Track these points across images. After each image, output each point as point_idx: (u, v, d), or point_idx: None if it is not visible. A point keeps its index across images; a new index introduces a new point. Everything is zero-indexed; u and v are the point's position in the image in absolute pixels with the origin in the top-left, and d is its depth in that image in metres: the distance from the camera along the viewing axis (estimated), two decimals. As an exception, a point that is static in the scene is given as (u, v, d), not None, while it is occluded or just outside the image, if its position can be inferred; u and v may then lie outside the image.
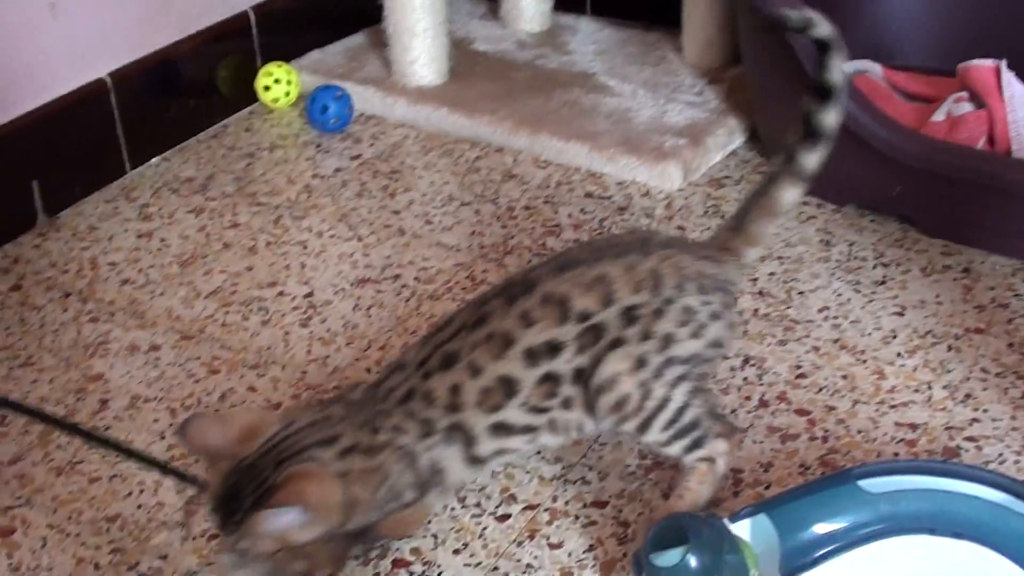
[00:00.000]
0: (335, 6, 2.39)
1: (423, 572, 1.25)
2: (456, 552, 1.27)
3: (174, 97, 2.11)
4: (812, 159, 1.31)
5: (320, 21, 2.36)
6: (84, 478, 1.39)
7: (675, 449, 1.27)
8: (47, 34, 1.88)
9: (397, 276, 1.73)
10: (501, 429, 1.23)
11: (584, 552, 1.28)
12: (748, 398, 1.48)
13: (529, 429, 1.25)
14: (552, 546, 1.28)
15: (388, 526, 1.26)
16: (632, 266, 1.24)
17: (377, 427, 1.21)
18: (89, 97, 1.95)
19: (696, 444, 1.27)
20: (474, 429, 1.22)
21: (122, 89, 1.99)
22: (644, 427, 1.24)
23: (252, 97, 2.22)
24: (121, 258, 1.80)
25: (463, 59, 2.27)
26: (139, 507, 1.35)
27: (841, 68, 1.28)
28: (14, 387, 1.53)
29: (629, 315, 1.22)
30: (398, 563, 1.26)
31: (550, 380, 1.22)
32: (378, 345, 1.59)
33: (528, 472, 1.37)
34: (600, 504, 1.33)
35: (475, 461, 1.25)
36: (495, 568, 1.26)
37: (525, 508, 1.33)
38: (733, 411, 1.46)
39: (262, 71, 2.20)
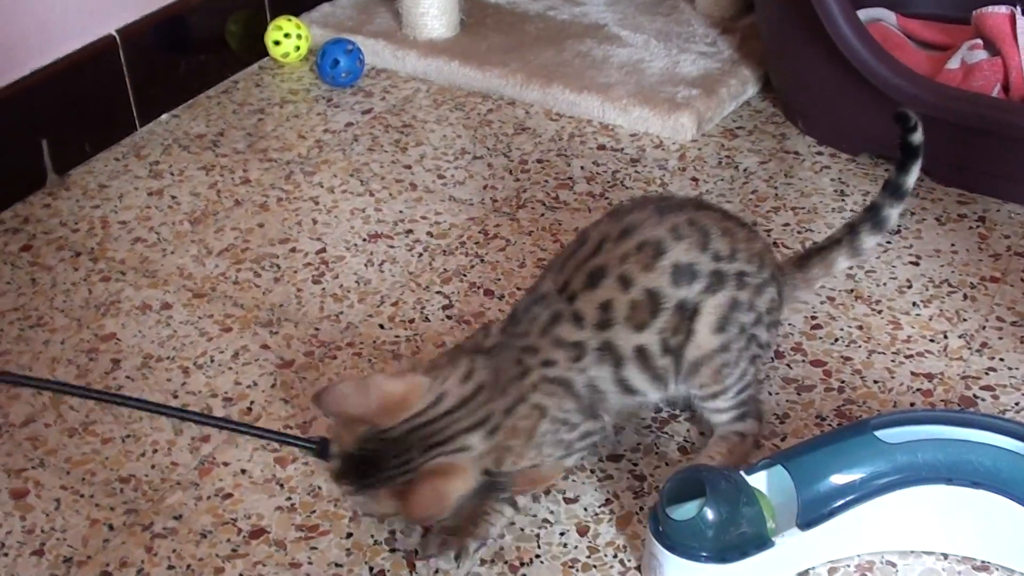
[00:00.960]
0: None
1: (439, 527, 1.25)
2: (471, 508, 1.27)
3: (183, 53, 2.09)
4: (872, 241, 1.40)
5: (329, -26, 2.34)
6: (97, 439, 1.39)
7: (725, 417, 1.31)
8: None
9: (409, 231, 1.72)
10: (642, 356, 1.23)
11: (600, 506, 1.27)
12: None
13: (655, 370, 1.25)
14: (568, 500, 1.28)
15: (520, 480, 1.25)
16: (751, 238, 1.29)
17: (525, 368, 1.20)
18: (98, 54, 1.94)
19: (740, 417, 1.31)
20: (622, 348, 1.22)
21: (131, 45, 1.97)
22: (721, 393, 1.28)
23: (262, 52, 2.20)
24: (132, 216, 1.79)
25: (474, 11, 2.25)
26: (152, 467, 1.35)
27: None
28: (26, 347, 1.53)
29: (741, 279, 1.25)
30: (413, 519, 1.26)
31: (682, 311, 1.23)
32: (391, 301, 1.58)
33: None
34: (615, 458, 1.33)
35: (625, 387, 1.24)
36: (511, 523, 1.25)
37: (539, 463, 1.32)
38: (748, 363, 1.45)
39: (272, 25, 2.18)
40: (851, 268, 1.59)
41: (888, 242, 1.65)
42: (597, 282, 1.22)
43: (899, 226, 1.68)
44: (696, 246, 1.23)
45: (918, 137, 1.36)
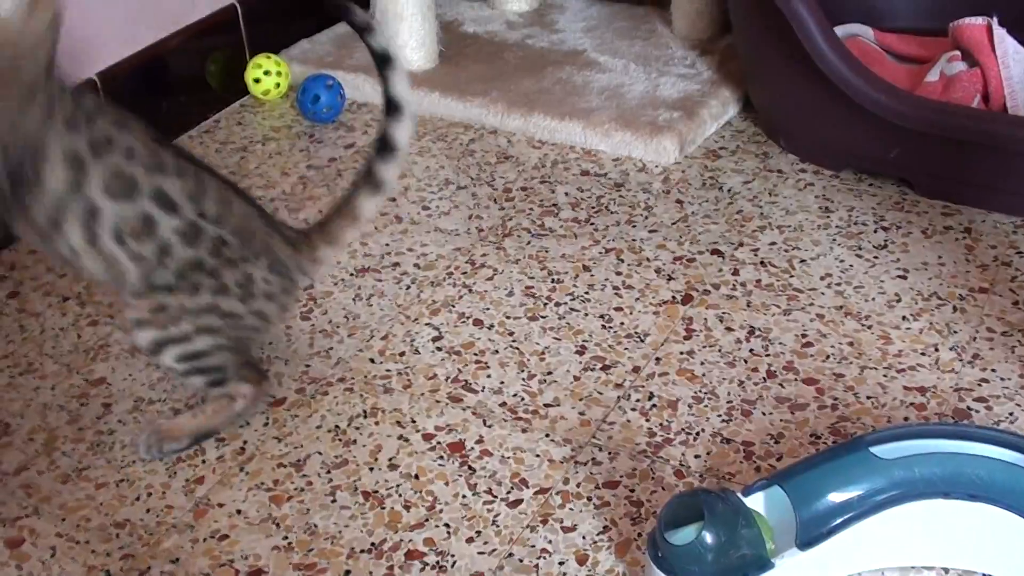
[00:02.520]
0: (321, -6, 2.37)
1: (437, 563, 1.24)
2: (469, 540, 1.27)
3: (164, 94, 2.09)
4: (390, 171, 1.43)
5: (307, 10, 2.34)
6: (91, 484, 1.38)
7: (195, 381, 1.40)
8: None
9: (396, 264, 1.72)
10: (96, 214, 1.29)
11: (598, 534, 1.27)
12: (755, 370, 1.47)
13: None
14: (566, 529, 1.28)
15: None
16: (247, 215, 1.37)
17: None
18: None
19: (217, 383, 1.40)
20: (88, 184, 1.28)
21: (111, 88, 1.97)
22: (157, 348, 1.35)
23: (243, 90, 2.20)
24: (118, 260, 1.78)
25: (453, 42, 2.26)
26: (148, 511, 1.34)
27: (404, 83, 1.40)
28: (16, 395, 1.52)
29: (217, 246, 1.33)
30: (412, 554, 1.25)
31: (148, 224, 1.30)
32: (380, 334, 1.58)
33: (538, 456, 1.36)
34: (612, 484, 1.33)
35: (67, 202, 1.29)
36: (510, 555, 1.25)
37: (537, 492, 1.32)
38: (740, 383, 1.45)
39: (251, 63, 2.18)
40: (839, 285, 1.60)
41: (875, 256, 1.66)
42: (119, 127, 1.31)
43: (885, 240, 1.69)
44: (187, 193, 1.32)
45: (378, 42, 1.37)
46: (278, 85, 2.18)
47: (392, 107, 1.40)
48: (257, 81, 2.18)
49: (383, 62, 1.38)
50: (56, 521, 1.34)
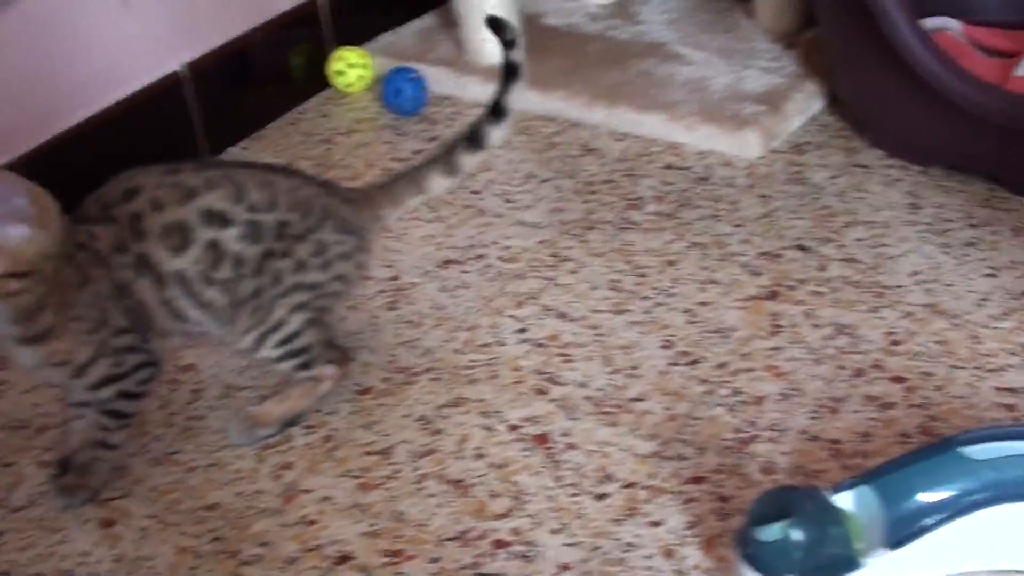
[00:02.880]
0: (404, -13, 2.39)
1: (523, 552, 1.25)
2: (555, 532, 1.27)
3: (249, 86, 2.12)
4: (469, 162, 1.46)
5: (390, 3, 2.36)
6: (181, 468, 1.40)
7: (285, 366, 1.40)
8: (121, 29, 1.89)
9: (481, 256, 1.72)
10: (183, 282, 1.33)
11: (685, 529, 1.27)
12: (842, 367, 1.46)
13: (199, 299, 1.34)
14: (652, 524, 1.28)
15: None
16: (295, 187, 1.38)
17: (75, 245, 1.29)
18: (165, 90, 1.96)
19: (305, 365, 1.41)
20: (160, 266, 1.32)
21: (197, 81, 2.00)
22: (260, 342, 1.37)
23: (326, 82, 2.22)
24: (205, 248, 1.81)
25: (534, 35, 2.25)
26: (237, 495, 1.36)
27: (518, 96, 1.45)
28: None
29: (281, 229, 1.34)
30: (498, 543, 1.26)
31: (215, 249, 1.33)
32: (466, 326, 1.58)
33: (624, 450, 1.36)
34: (698, 480, 1.32)
35: (172, 310, 1.34)
36: (596, 547, 1.25)
37: (623, 486, 1.32)
38: (828, 381, 1.44)
39: (334, 56, 2.20)
40: (928, 282, 1.59)
41: (964, 254, 1.64)
42: (132, 197, 1.32)
43: (974, 238, 1.67)
44: (231, 198, 1.33)
45: (517, 56, 1.43)
46: (361, 77, 2.20)
47: (497, 111, 1.43)
48: (340, 74, 2.19)
49: (511, 72, 1.43)
50: (148, 503, 1.36)
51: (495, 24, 1.44)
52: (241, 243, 1.33)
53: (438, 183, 1.46)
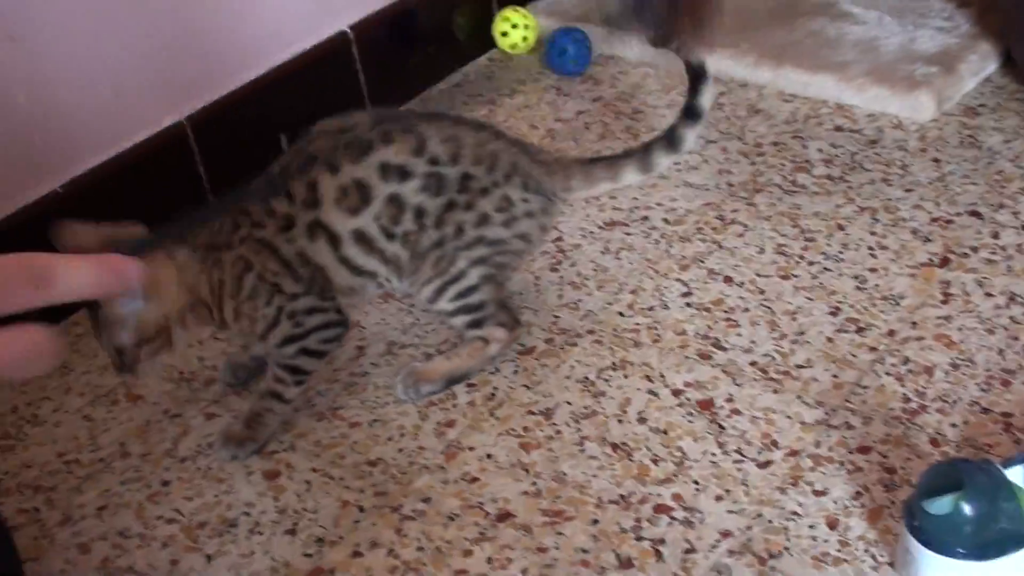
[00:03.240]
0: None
1: (685, 518, 1.24)
2: (718, 499, 1.26)
3: (413, 47, 2.13)
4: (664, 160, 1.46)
5: (554, -38, 2.34)
6: (345, 423, 1.43)
7: (458, 321, 1.42)
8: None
9: (645, 218, 1.71)
10: (362, 239, 1.35)
11: (850, 499, 1.24)
12: (1016, 338, 1.42)
13: (382, 254, 1.37)
14: (816, 493, 1.25)
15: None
16: (482, 142, 1.39)
17: (237, 225, 1.34)
18: (332, 50, 1.99)
19: (476, 324, 1.42)
20: (336, 228, 1.34)
21: (363, 41, 2.02)
22: (439, 293, 1.39)
23: (490, 43, 2.22)
24: (370, 207, 1.83)
25: (701, -6, 2.22)
26: (400, 451, 1.37)
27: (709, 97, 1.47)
28: (276, 335, 1.58)
29: (464, 182, 1.36)
30: (660, 508, 1.25)
31: (396, 203, 1.34)
32: (629, 288, 1.57)
33: (789, 417, 1.34)
34: (864, 450, 1.29)
35: (351, 266, 1.36)
36: (758, 515, 1.23)
37: (787, 454, 1.30)
38: (1000, 351, 1.39)
39: (499, 16, 2.20)
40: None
41: None
42: (308, 167, 1.34)
43: None
44: (409, 151, 1.34)
45: (696, 56, 1.45)
46: (525, 39, 2.19)
47: (691, 113, 1.46)
48: (504, 34, 2.19)
49: (698, 74, 1.46)
50: (311, 457, 1.39)
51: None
52: (422, 195, 1.34)
53: (630, 176, 1.47)
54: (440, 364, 1.45)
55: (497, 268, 1.41)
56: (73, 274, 0.56)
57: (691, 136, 1.45)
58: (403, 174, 1.33)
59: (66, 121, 1.67)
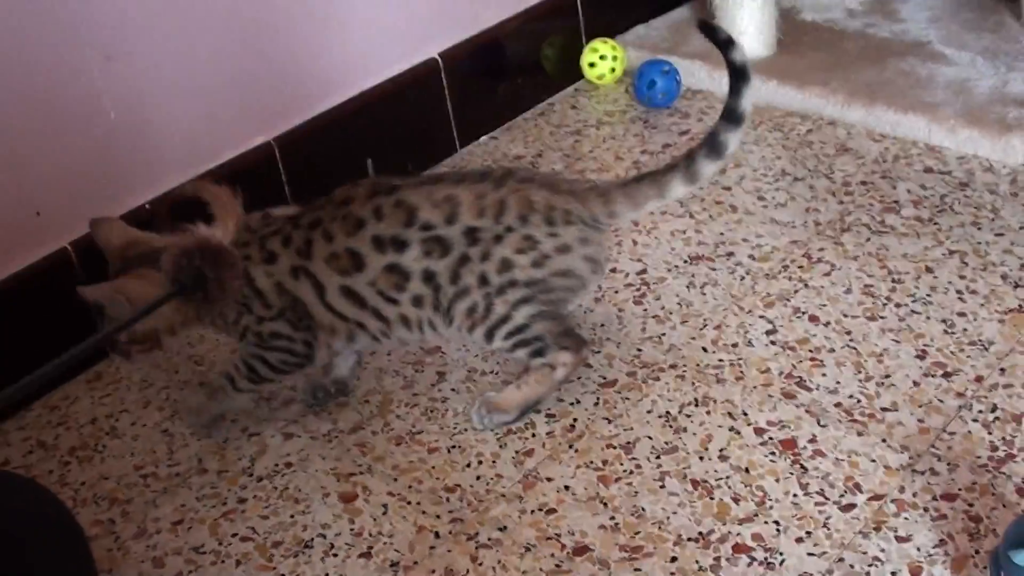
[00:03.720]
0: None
1: (765, 559, 1.22)
2: (799, 540, 1.24)
3: (501, 76, 2.13)
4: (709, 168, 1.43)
5: (644, -5, 2.35)
6: (423, 448, 1.42)
7: (520, 355, 1.43)
8: (381, 15, 1.92)
9: (730, 254, 1.70)
10: (352, 296, 1.40)
11: (934, 547, 1.22)
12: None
13: (380, 315, 1.41)
14: (900, 539, 1.23)
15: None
16: (482, 194, 1.38)
17: (247, 250, 1.43)
18: (421, 77, 2.00)
19: (538, 353, 1.42)
20: (320, 278, 1.40)
21: (452, 68, 2.03)
22: (489, 336, 1.40)
23: (577, 74, 2.22)
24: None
25: (791, 30, 2.21)
26: (477, 478, 1.37)
27: (750, 99, 1.43)
28: (369, 358, 1.58)
29: (472, 236, 1.37)
30: (739, 548, 1.24)
31: (396, 272, 1.38)
32: (713, 324, 1.56)
33: (873, 461, 1.32)
34: (950, 497, 1.27)
35: (332, 311, 1.42)
36: (840, 559, 1.21)
37: (871, 498, 1.28)
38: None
39: (587, 48, 2.20)
40: None
41: None
42: (313, 228, 1.41)
43: None
44: (400, 223, 1.37)
45: (739, 55, 1.41)
46: (613, 70, 2.19)
47: (732, 117, 1.41)
48: (592, 65, 2.19)
49: (739, 75, 1.41)
50: (388, 480, 1.38)
51: (706, 28, 1.44)
52: (425, 260, 1.37)
53: (678, 189, 1.43)
54: (512, 394, 1.45)
55: (547, 304, 1.40)
56: None
57: (733, 141, 1.42)
58: (398, 244, 1.37)
59: (156, 138, 1.70)
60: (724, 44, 1.41)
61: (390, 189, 1.40)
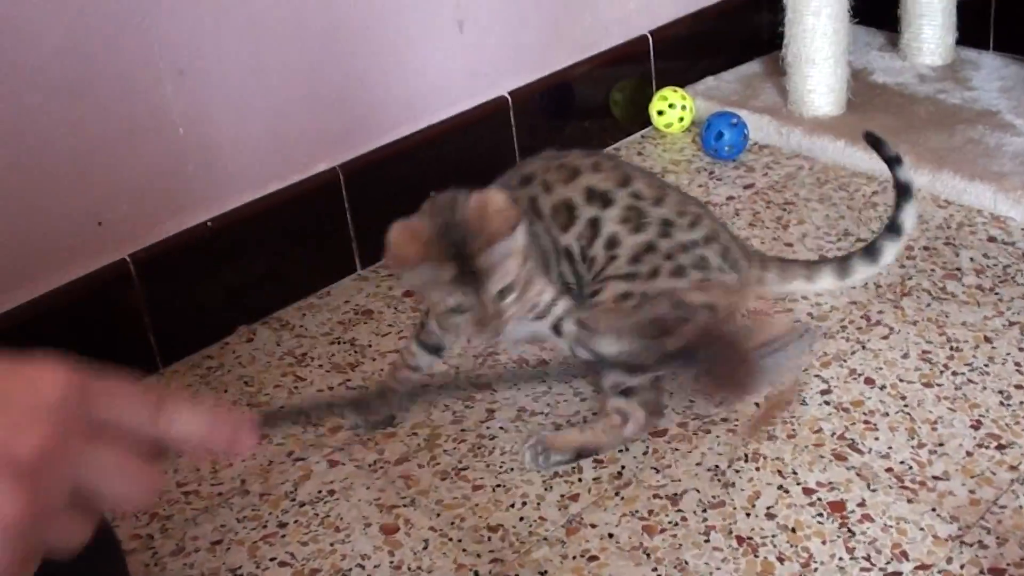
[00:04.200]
0: (732, 33, 2.37)
1: (807, 621, 1.21)
2: (843, 604, 1.23)
3: (568, 118, 2.14)
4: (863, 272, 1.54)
5: (715, 47, 2.35)
6: (468, 484, 1.42)
7: (610, 380, 1.41)
8: (454, 50, 1.94)
9: (789, 310, 1.69)
10: (567, 256, 1.42)
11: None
12: None
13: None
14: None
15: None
16: (685, 201, 1.45)
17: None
18: (490, 113, 2.01)
19: (627, 392, 1.41)
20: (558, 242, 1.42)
21: (521, 107, 2.04)
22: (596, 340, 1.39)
23: (645, 121, 2.23)
24: (511, 272, 1.83)
25: (861, 90, 2.20)
26: (521, 519, 1.36)
27: (913, 215, 1.54)
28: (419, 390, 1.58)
29: (666, 227, 1.39)
30: (781, 608, 1.23)
31: (594, 226, 1.40)
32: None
33: (922, 529, 1.30)
34: (997, 571, 1.25)
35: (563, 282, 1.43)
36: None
37: (917, 567, 1.26)
38: None
39: (657, 95, 2.20)
40: None
41: None
42: (526, 183, 1.44)
43: None
44: (614, 180, 1.40)
45: (904, 174, 1.51)
46: (681, 119, 2.19)
47: (893, 227, 1.52)
48: (661, 113, 2.20)
49: (904, 192, 1.52)
50: (431, 515, 1.38)
51: (874, 141, 1.52)
52: (620, 226, 1.38)
53: (826, 281, 1.52)
54: (573, 435, 1.44)
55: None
56: (187, 417, 0.56)
57: (891, 250, 1.51)
58: (606, 200, 1.39)
59: (222, 156, 1.71)
60: (891, 161, 1.49)
61: (610, 156, 1.50)
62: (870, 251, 1.51)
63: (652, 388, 1.43)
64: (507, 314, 1.31)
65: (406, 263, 1.29)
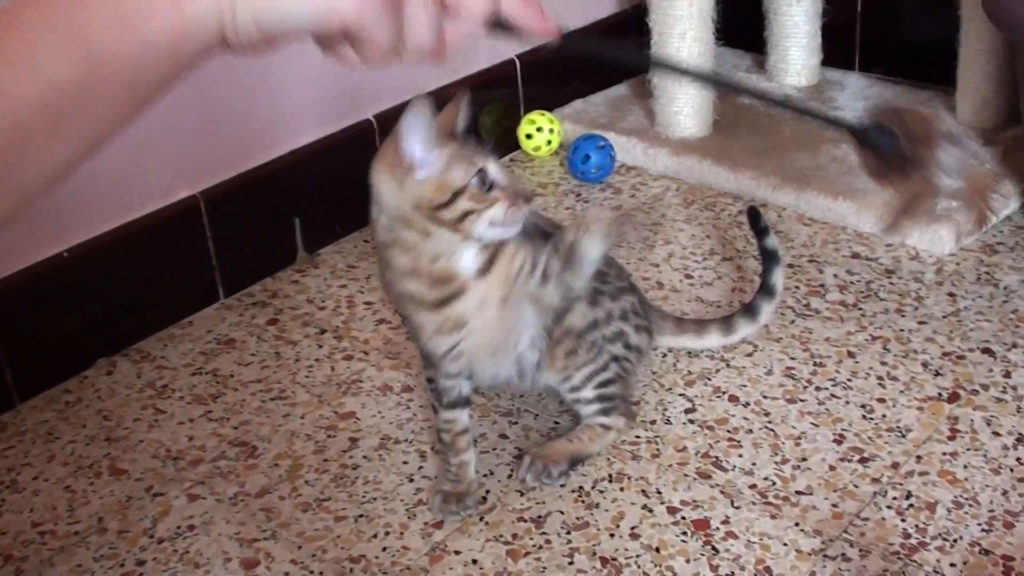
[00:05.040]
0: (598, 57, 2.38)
1: (670, 641, 1.20)
2: (706, 623, 1.22)
3: (436, 141, 2.12)
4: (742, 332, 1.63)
5: (583, 71, 2.35)
6: (331, 516, 1.39)
7: (590, 409, 1.44)
8: (318, 73, 1.91)
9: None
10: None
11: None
12: (1022, 480, 1.38)
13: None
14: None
15: None
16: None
17: None
18: (353, 138, 1.98)
19: (606, 412, 1.44)
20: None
21: (387, 130, 1.99)
22: (586, 381, 1.42)
23: (513, 144, 2.22)
24: (377, 297, 1.81)
25: (727, 111, 2.22)
26: (384, 549, 1.34)
27: (781, 277, 1.64)
28: (266, 419, 1.55)
29: (604, 276, 1.44)
30: (645, 629, 1.21)
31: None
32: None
33: (785, 544, 1.30)
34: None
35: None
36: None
37: (781, 582, 1.26)
38: (1004, 492, 1.36)
39: (525, 119, 2.20)
40: None
41: None
42: None
43: None
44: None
45: (771, 241, 1.61)
46: (549, 142, 2.19)
47: (768, 290, 1.61)
48: (529, 137, 2.19)
49: (772, 257, 1.61)
50: (292, 548, 1.35)
51: (752, 215, 1.62)
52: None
53: (713, 340, 1.62)
54: (563, 445, 1.43)
55: (624, 371, 1.47)
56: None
57: (768, 309, 1.61)
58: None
59: (78, 184, 1.65)
60: (761, 232, 1.61)
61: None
62: (749, 311, 1.60)
63: (625, 400, 1.46)
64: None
65: None
